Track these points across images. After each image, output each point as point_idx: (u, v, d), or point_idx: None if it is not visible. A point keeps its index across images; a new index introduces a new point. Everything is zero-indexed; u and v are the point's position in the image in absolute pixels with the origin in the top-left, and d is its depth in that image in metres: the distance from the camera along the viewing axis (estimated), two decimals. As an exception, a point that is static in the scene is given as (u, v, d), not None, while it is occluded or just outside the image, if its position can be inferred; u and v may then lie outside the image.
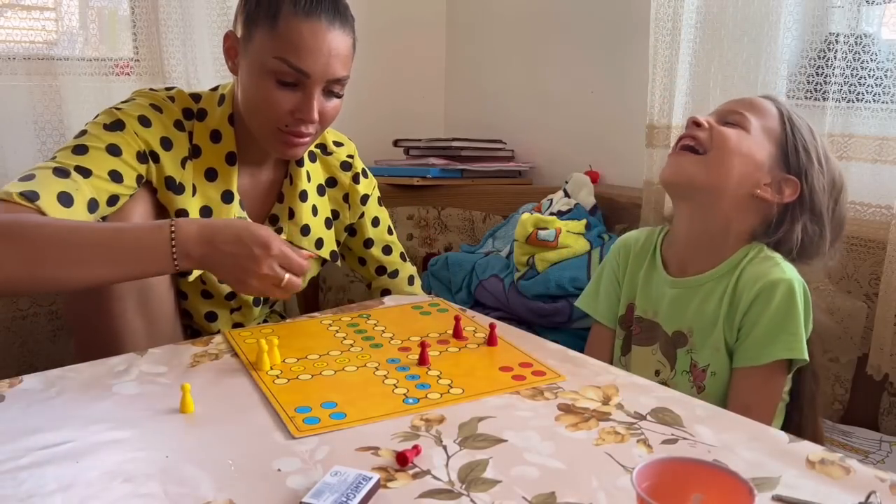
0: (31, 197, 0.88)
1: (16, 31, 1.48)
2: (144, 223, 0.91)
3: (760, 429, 0.73)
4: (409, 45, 2.21)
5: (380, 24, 2.11)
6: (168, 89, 1.09)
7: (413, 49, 2.22)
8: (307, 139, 1.03)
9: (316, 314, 1.06)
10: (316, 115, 0.99)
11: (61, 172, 0.93)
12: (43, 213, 0.88)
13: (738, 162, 0.97)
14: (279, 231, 1.14)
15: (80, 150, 0.96)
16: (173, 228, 0.85)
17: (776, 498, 0.61)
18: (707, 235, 1.01)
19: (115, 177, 0.97)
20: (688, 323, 1.01)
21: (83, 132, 1.00)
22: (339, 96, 1.03)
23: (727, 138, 0.97)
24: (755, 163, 0.97)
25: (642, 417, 0.75)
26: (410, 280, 1.32)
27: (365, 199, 1.24)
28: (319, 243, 1.19)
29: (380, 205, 1.28)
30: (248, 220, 1.11)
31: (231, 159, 1.07)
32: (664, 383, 0.99)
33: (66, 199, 0.91)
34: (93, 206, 0.95)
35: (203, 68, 1.62)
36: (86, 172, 0.94)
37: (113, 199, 0.97)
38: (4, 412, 0.74)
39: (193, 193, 1.05)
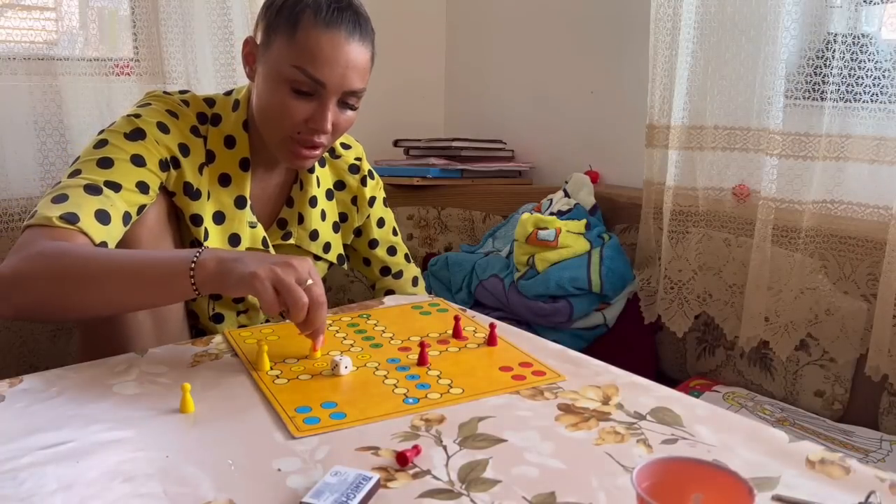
0: (71, 220, 0.88)
1: (16, 31, 1.48)
2: (172, 252, 0.89)
3: (760, 429, 0.73)
4: (409, 45, 2.21)
5: (380, 24, 2.10)
6: (182, 93, 1.09)
7: (413, 49, 2.22)
8: (318, 151, 1.02)
9: (316, 314, 1.06)
10: (329, 126, 0.99)
11: (93, 189, 0.92)
12: (85, 234, 0.88)
13: None
14: (288, 235, 1.14)
15: (105, 163, 0.96)
16: (195, 258, 0.83)
17: (776, 498, 0.61)
18: None
19: (143, 188, 0.97)
20: None
21: (103, 142, 0.98)
22: (353, 108, 1.03)
23: None
24: None
25: (642, 417, 0.75)
26: (414, 281, 1.32)
27: (372, 200, 1.25)
28: (327, 247, 1.20)
29: (385, 206, 1.29)
30: (259, 225, 1.11)
31: (245, 165, 1.07)
32: None
33: (103, 217, 0.91)
34: (127, 219, 0.95)
35: (203, 68, 1.62)
36: (116, 187, 0.94)
37: (141, 209, 0.98)
38: (4, 412, 0.74)
39: (208, 198, 1.05)
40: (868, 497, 0.61)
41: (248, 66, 1.04)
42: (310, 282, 0.82)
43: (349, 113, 1.02)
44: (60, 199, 0.90)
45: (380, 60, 2.11)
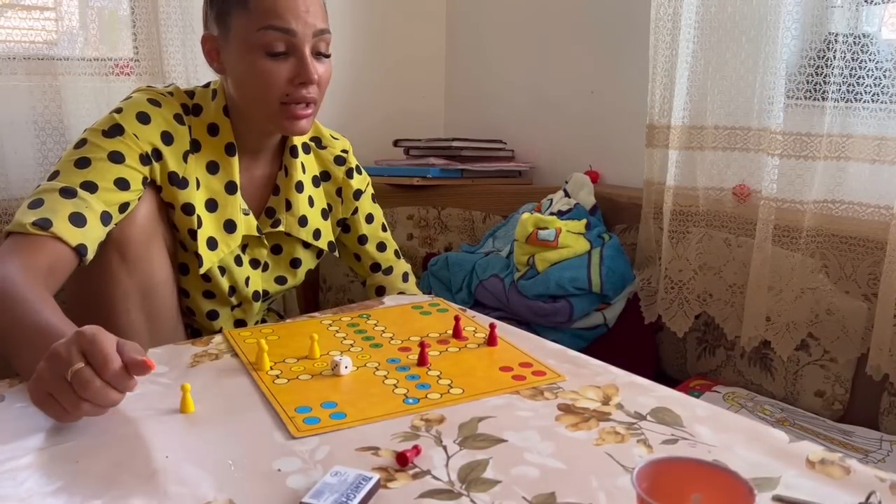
0: (45, 225, 0.89)
1: (16, 31, 1.48)
2: (58, 332, 0.75)
3: (760, 429, 0.73)
4: (409, 45, 2.21)
5: (380, 24, 2.12)
6: (166, 87, 1.10)
7: (413, 49, 2.22)
8: (310, 109, 1.04)
9: (316, 314, 1.07)
10: (314, 75, 1.00)
11: (68, 193, 0.93)
12: (59, 238, 0.89)
13: None
14: (277, 223, 1.14)
15: (82, 163, 0.96)
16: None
17: (776, 498, 0.61)
18: None
19: (122, 184, 0.97)
20: None
21: (83, 141, 0.99)
22: (327, 56, 1.05)
23: None
24: None
25: (642, 417, 0.75)
26: (405, 277, 1.32)
27: (358, 194, 1.25)
28: (317, 234, 1.20)
29: (373, 202, 1.30)
30: (251, 212, 1.11)
31: (230, 150, 1.08)
32: None
33: (78, 220, 0.91)
34: (105, 218, 0.95)
35: (203, 68, 1.62)
36: (92, 187, 0.94)
37: (124, 207, 0.98)
38: (4, 412, 0.74)
39: (197, 187, 1.06)
40: (868, 497, 0.61)
41: (214, 61, 1.06)
42: (78, 366, 0.66)
43: (325, 62, 1.04)
44: (36, 204, 0.92)
45: (380, 60, 2.12)
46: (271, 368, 0.85)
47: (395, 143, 2.06)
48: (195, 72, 1.61)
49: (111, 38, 1.62)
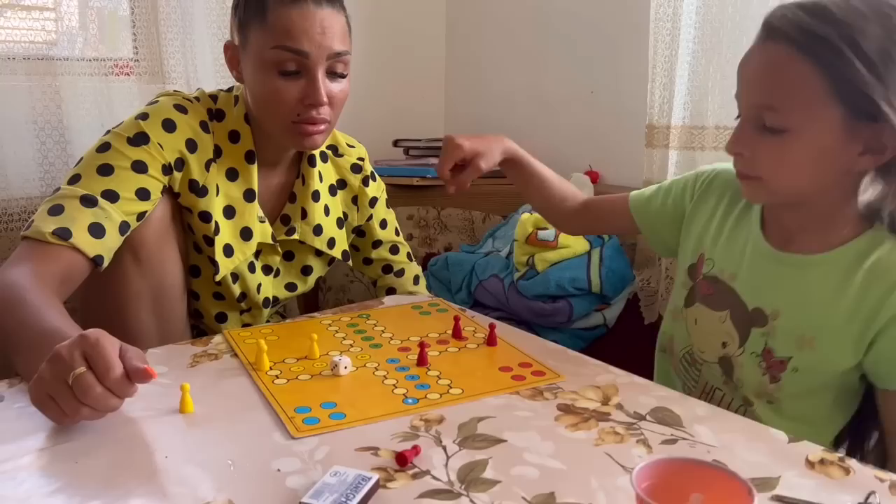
0: (64, 235, 0.89)
1: (16, 31, 1.48)
2: (62, 334, 0.73)
3: (760, 429, 0.73)
4: (409, 45, 2.21)
5: (380, 24, 2.11)
6: (193, 92, 1.10)
7: (413, 49, 2.22)
8: (323, 127, 1.02)
9: (316, 314, 1.07)
10: (324, 98, 0.99)
11: (89, 201, 0.92)
12: (77, 249, 0.89)
13: (801, 170, 0.79)
14: (291, 231, 1.14)
15: (105, 170, 0.95)
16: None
17: (776, 498, 0.61)
18: (815, 216, 0.83)
19: (143, 195, 0.97)
20: (777, 304, 0.85)
21: (106, 145, 0.98)
22: (343, 76, 1.03)
23: (771, 164, 0.80)
24: (823, 153, 0.77)
25: (642, 417, 0.75)
26: (416, 280, 1.33)
27: (373, 201, 1.25)
28: (332, 243, 1.20)
29: (387, 207, 1.30)
30: (266, 219, 1.11)
31: (250, 157, 1.08)
32: (728, 359, 0.90)
33: (97, 230, 0.91)
34: (124, 228, 0.95)
35: (203, 68, 1.62)
36: (113, 196, 0.94)
37: (141, 216, 0.98)
38: (4, 412, 0.74)
39: (217, 194, 1.05)
40: (868, 497, 0.61)
41: (234, 69, 1.05)
42: (80, 370, 0.66)
43: (340, 82, 1.03)
44: (56, 210, 0.91)
45: (380, 60, 2.12)
46: (271, 369, 0.85)
47: (395, 143, 2.06)
48: (195, 72, 1.61)
49: (111, 38, 1.62)
